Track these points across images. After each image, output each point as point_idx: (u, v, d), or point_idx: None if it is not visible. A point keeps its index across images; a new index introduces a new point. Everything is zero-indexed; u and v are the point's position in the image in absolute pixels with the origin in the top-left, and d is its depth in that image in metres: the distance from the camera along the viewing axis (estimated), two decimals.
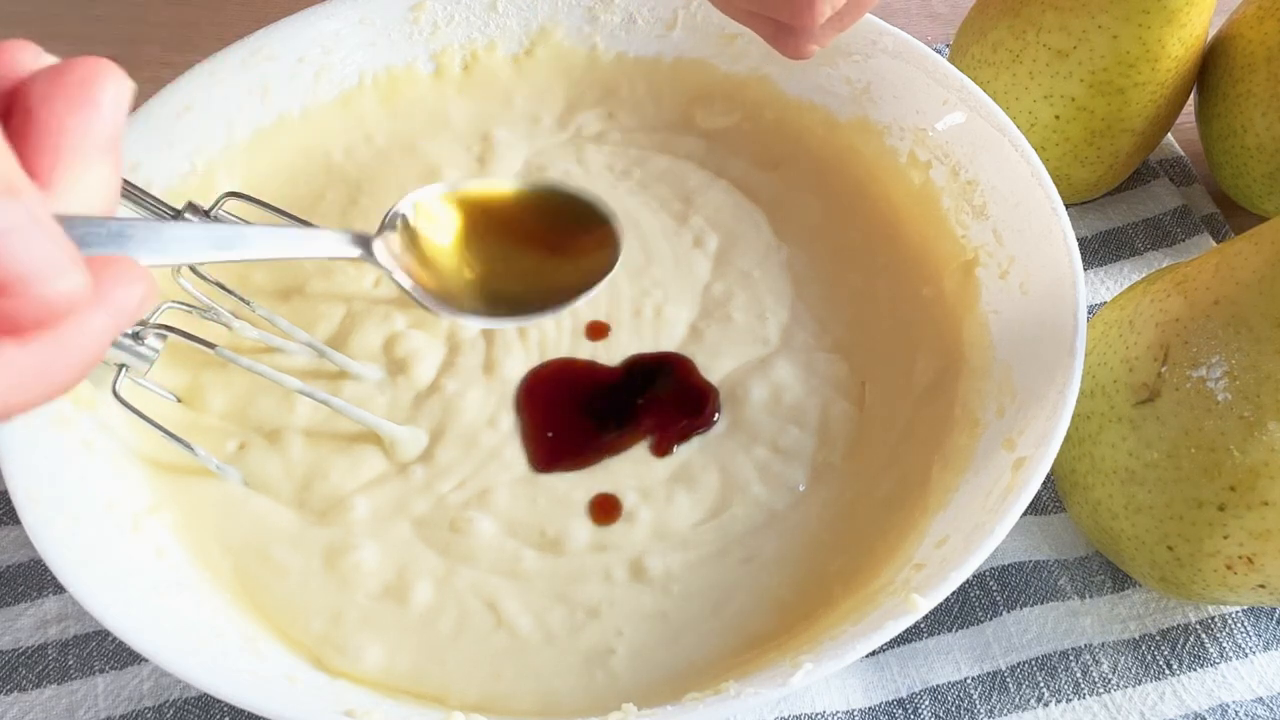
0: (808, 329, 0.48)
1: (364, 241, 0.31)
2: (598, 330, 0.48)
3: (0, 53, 0.24)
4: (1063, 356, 0.40)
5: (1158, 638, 0.43)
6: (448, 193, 0.35)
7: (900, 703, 0.42)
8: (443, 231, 0.34)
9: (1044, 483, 0.39)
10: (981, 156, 0.47)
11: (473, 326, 0.46)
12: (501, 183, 0.36)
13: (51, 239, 0.21)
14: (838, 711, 0.42)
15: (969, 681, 0.42)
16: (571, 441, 0.45)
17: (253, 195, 0.47)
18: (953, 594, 0.44)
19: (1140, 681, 0.42)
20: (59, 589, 0.44)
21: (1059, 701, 0.42)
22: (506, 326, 0.33)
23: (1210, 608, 0.44)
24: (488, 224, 0.35)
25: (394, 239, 0.32)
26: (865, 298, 0.49)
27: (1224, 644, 0.43)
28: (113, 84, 0.23)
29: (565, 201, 0.36)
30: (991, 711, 0.42)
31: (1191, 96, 0.53)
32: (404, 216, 0.33)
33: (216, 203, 0.45)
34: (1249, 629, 0.43)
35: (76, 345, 0.22)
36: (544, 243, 0.35)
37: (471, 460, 0.44)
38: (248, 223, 0.48)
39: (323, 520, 0.43)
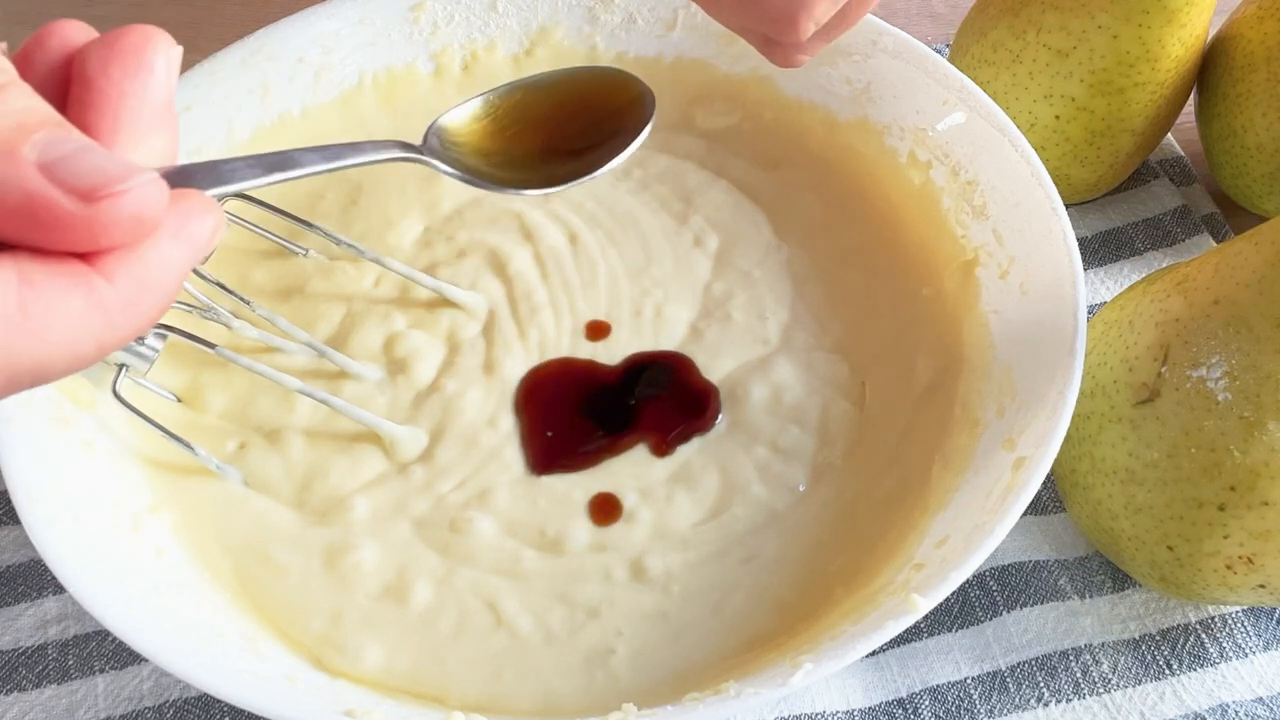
0: (808, 329, 0.48)
1: (408, 146, 0.32)
2: (598, 330, 0.48)
3: (52, 32, 0.25)
4: (1063, 356, 0.40)
5: (1158, 638, 0.43)
6: (480, 103, 0.36)
7: (900, 703, 0.42)
8: (480, 133, 0.36)
9: (1044, 483, 0.39)
10: (981, 156, 0.47)
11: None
12: (527, 80, 0.37)
13: (114, 156, 0.22)
14: (838, 711, 0.42)
15: (969, 681, 0.42)
16: (571, 441, 0.45)
17: (252, 195, 0.47)
18: (953, 594, 0.44)
19: (1140, 681, 0.42)
20: (59, 589, 0.44)
21: (1059, 701, 0.42)
22: (555, 193, 0.36)
23: (1210, 608, 0.44)
24: (522, 118, 0.36)
25: (435, 142, 0.35)
26: (865, 298, 0.49)
27: (1224, 644, 0.43)
28: (164, 48, 0.24)
29: (592, 79, 0.37)
30: (991, 711, 0.42)
31: (1191, 96, 0.53)
32: (444, 128, 0.35)
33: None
34: (1249, 629, 0.43)
35: (157, 280, 0.23)
36: (581, 120, 0.37)
37: (471, 460, 0.44)
38: (260, 204, 0.49)
39: (323, 520, 0.43)
